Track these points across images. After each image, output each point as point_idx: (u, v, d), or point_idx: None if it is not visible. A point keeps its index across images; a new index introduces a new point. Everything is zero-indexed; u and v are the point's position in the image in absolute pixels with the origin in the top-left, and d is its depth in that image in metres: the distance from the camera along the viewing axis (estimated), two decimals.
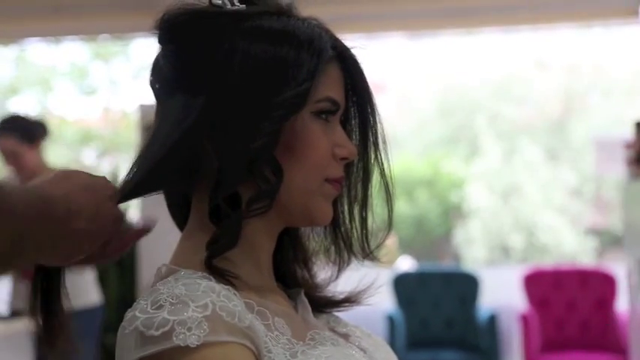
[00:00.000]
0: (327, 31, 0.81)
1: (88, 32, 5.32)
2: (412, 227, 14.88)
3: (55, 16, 4.76)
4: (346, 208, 0.85)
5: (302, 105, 0.77)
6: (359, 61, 0.82)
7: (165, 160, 0.76)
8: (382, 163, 0.84)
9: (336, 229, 0.86)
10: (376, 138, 0.84)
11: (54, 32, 5.22)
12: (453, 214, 15.09)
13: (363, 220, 0.85)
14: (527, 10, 4.89)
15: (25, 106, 11.89)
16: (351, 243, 0.85)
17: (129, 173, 0.77)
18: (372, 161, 0.84)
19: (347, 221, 0.85)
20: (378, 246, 0.85)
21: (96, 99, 12.84)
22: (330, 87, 0.80)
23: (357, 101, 0.84)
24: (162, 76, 0.80)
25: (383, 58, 16.77)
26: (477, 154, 14.98)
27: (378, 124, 0.84)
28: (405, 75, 16.17)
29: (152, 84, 0.82)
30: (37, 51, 12.20)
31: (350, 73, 0.82)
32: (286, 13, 0.80)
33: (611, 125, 13.44)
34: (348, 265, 0.86)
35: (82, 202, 0.71)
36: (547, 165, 14.86)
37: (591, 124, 14.38)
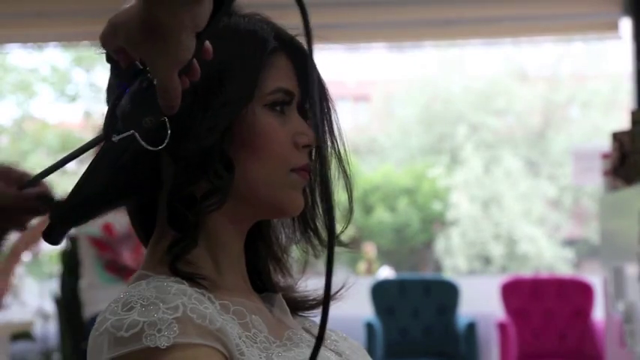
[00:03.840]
0: (269, 23, 0.80)
1: (70, 39, 5.33)
2: (393, 236, 14.89)
3: (37, 23, 4.76)
4: (309, 196, 0.85)
5: (249, 98, 0.77)
6: (305, 48, 0.79)
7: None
8: (339, 150, 0.84)
9: (304, 218, 0.86)
10: (331, 125, 0.83)
11: (36, 38, 5.22)
12: (433, 223, 15.12)
13: (326, 207, 0.84)
14: (509, 23, 4.94)
15: (6, 109, 11.85)
16: (318, 229, 0.85)
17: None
18: (330, 149, 0.83)
19: (311, 209, 0.85)
20: (342, 230, 0.85)
21: (77, 104, 12.81)
22: (280, 78, 0.80)
23: (308, 90, 0.82)
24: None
25: (366, 68, 16.83)
26: (458, 163, 15.04)
27: (332, 111, 0.83)
28: (388, 85, 16.21)
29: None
30: (19, 56, 12.17)
31: (298, 62, 0.81)
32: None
33: (591, 137, 13.56)
34: (319, 255, 0.87)
35: None
36: (527, 175, 14.96)
37: (571, 135, 14.50)
